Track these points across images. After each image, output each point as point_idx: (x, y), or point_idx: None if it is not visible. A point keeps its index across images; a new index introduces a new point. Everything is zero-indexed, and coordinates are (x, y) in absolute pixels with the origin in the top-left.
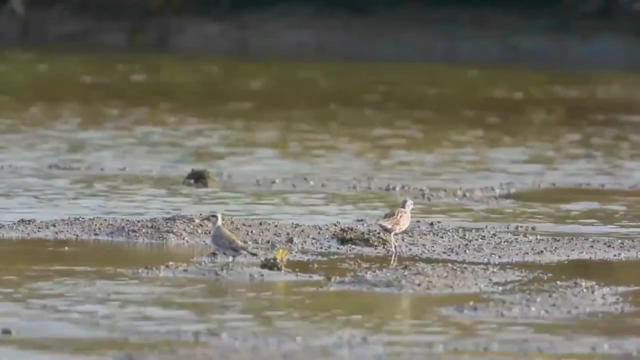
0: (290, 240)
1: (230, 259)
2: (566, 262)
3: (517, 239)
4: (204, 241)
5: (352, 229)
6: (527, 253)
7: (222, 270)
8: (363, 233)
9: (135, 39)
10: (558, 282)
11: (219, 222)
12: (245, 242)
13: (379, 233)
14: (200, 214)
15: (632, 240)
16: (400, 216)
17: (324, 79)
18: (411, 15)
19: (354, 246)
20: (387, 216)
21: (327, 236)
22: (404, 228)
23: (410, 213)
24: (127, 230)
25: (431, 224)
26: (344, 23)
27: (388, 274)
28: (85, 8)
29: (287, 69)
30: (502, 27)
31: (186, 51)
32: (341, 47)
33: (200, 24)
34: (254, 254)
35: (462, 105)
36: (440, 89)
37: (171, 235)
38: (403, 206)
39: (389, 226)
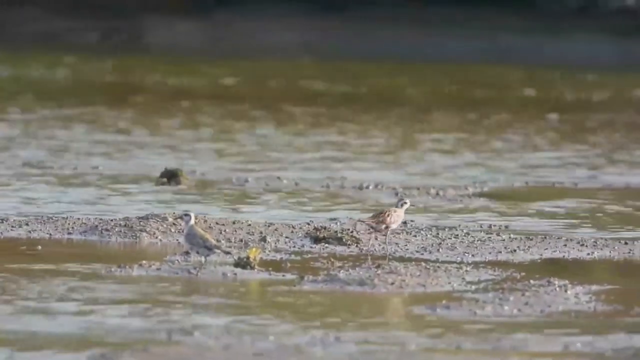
0: (264, 239)
1: (204, 257)
2: (539, 260)
3: (490, 237)
4: (177, 240)
5: (325, 228)
6: (501, 252)
7: (195, 268)
8: (336, 232)
9: (109, 39)
10: (531, 281)
11: (192, 220)
12: (218, 240)
13: (351, 232)
14: (174, 213)
15: (605, 239)
16: (388, 215)
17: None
18: (393, 14)
19: (327, 245)
20: (374, 215)
21: (300, 235)
22: (393, 227)
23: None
24: (100, 229)
25: (404, 222)
26: (326, 22)
27: (361, 272)
28: (57, 7)
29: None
30: (482, 25)
31: (164, 50)
32: (323, 46)
33: (176, 23)
34: (227, 253)
35: (440, 103)
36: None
37: (144, 234)
38: (399, 205)
39: (374, 224)
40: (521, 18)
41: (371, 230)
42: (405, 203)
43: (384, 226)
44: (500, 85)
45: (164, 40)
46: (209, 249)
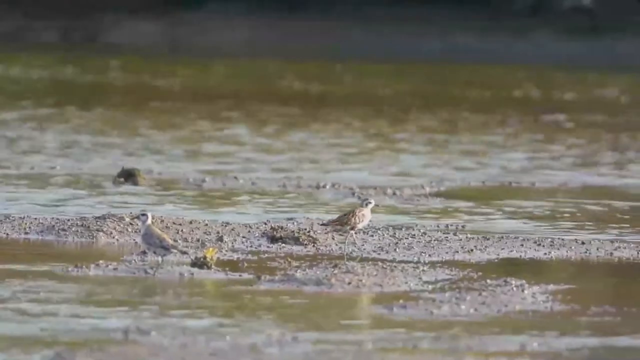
0: (220, 239)
1: (160, 257)
2: (496, 260)
3: (447, 237)
4: (134, 240)
5: (282, 228)
6: (457, 251)
7: (152, 268)
8: (293, 231)
9: (69, 38)
10: (488, 281)
11: (149, 220)
12: (175, 240)
13: (308, 231)
14: (131, 213)
15: (562, 239)
16: (353, 215)
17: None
18: (345, 13)
19: (284, 245)
20: (339, 217)
21: (257, 235)
22: (359, 226)
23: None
24: (57, 229)
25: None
26: (278, 21)
27: (318, 272)
28: (17, 6)
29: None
30: (437, 24)
31: (125, 49)
32: (275, 45)
33: (134, 22)
34: (184, 252)
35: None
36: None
37: (101, 233)
38: (364, 205)
39: (338, 226)
40: (477, 17)
41: (336, 230)
42: (370, 202)
43: (349, 227)
44: (461, 84)
45: (125, 39)
46: (166, 248)
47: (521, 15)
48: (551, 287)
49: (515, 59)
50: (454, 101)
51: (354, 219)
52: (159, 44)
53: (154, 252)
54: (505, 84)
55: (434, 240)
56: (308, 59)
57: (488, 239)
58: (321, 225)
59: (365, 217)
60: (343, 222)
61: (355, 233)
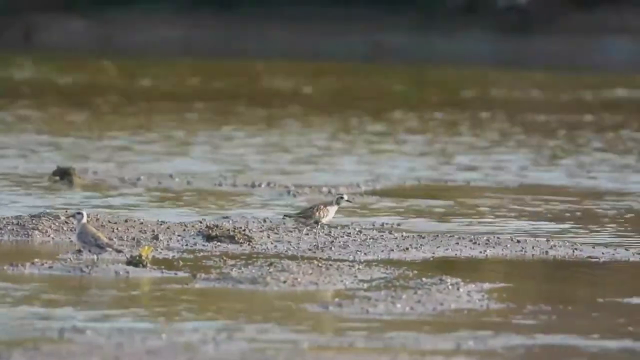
0: (156, 237)
1: (96, 256)
2: (432, 259)
3: (382, 236)
4: (70, 238)
5: (217, 226)
6: (393, 250)
7: (87, 267)
8: (228, 230)
9: None
10: (423, 279)
11: (84, 219)
12: (110, 239)
13: (244, 230)
14: (66, 211)
15: (498, 237)
16: (317, 210)
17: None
18: (277, 12)
19: (219, 243)
20: (302, 211)
21: (192, 233)
22: (323, 221)
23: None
24: None
25: (296, 220)
26: (210, 20)
27: (253, 270)
28: None
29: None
30: (367, 23)
31: (53, 48)
32: (207, 44)
33: (64, 21)
34: (119, 251)
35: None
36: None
37: (37, 232)
38: (337, 202)
39: (302, 219)
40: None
41: (301, 225)
42: (342, 198)
43: (312, 221)
44: (397, 83)
45: (53, 38)
46: (101, 247)
47: (453, 13)
48: (487, 285)
49: (447, 58)
50: (390, 101)
51: (319, 213)
52: (90, 43)
53: (89, 251)
54: (439, 83)
55: (370, 239)
56: (242, 58)
57: (423, 238)
58: (284, 217)
59: (329, 212)
60: (307, 215)
61: (321, 228)
